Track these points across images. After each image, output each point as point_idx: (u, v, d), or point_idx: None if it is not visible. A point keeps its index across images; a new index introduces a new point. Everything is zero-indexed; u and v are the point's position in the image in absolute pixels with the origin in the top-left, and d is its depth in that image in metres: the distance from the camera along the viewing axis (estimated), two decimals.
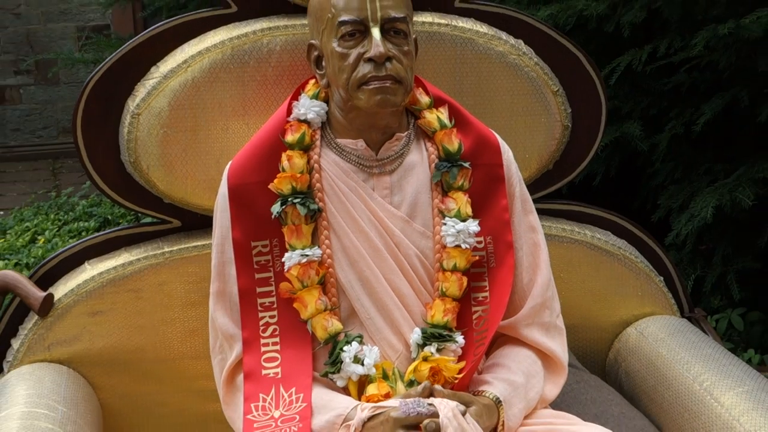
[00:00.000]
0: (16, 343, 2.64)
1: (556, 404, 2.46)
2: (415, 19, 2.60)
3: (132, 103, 2.60)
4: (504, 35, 2.71)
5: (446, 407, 2.11)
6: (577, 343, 2.79)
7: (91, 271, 2.65)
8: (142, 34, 2.64)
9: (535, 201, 2.77)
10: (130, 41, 2.64)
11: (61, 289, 2.64)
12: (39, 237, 5.34)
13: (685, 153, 3.88)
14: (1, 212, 6.12)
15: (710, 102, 3.66)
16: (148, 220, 2.87)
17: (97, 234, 2.73)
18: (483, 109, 2.61)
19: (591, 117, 2.81)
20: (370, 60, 2.26)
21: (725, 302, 3.87)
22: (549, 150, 2.78)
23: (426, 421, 2.09)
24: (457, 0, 2.71)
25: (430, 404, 2.12)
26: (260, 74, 2.58)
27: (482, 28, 2.70)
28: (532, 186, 2.77)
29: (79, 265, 2.69)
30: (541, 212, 2.77)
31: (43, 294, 2.60)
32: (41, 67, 7.63)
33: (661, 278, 2.89)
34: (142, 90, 2.60)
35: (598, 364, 2.86)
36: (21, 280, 2.64)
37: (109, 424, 2.65)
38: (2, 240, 5.30)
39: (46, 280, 2.69)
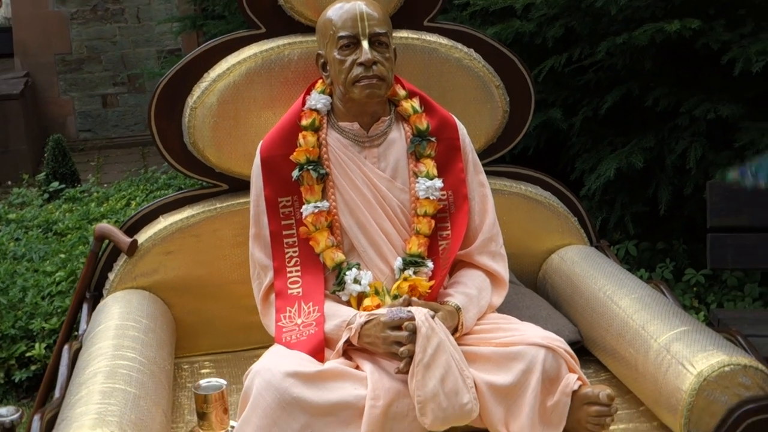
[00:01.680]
0: (111, 276, 2.62)
1: (500, 309, 2.44)
2: (394, 34, 2.56)
3: (190, 100, 2.56)
4: (460, 45, 2.67)
5: (420, 313, 2.10)
6: (516, 266, 2.76)
7: (164, 222, 2.62)
8: (197, 49, 2.60)
9: (484, 165, 2.73)
10: (189, 54, 2.60)
11: (142, 236, 2.62)
12: (132, 202, 5.31)
13: (594, 130, 3.85)
14: (106, 185, 6.09)
15: (611, 93, 3.64)
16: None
17: (168, 195, 2.70)
18: (445, 99, 2.57)
19: (523, 104, 2.77)
20: (361, 64, 2.23)
21: (623, 236, 3.84)
22: (494, 128, 2.74)
23: (406, 323, 2.07)
24: (425, 21, 2.66)
25: (408, 311, 2.11)
26: (283, 77, 2.55)
27: (444, 40, 2.65)
28: (483, 154, 2.74)
29: (156, 218, 2.66)
30: (489, 173, 2.75)
31: (129, 240, 2.58)
32: (132, 80, 7.59)
33: (576, 218, 2.86)
34: (197, 90, 2.56)
35: (531, 281, 2.84)
36: (114, 230, 2.62)
37: (180, 333, 2.64)
38: (106, 204, 5.27)
39: (132, 230, 2.66)
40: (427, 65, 2.62)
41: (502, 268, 2.40)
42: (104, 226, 2.63)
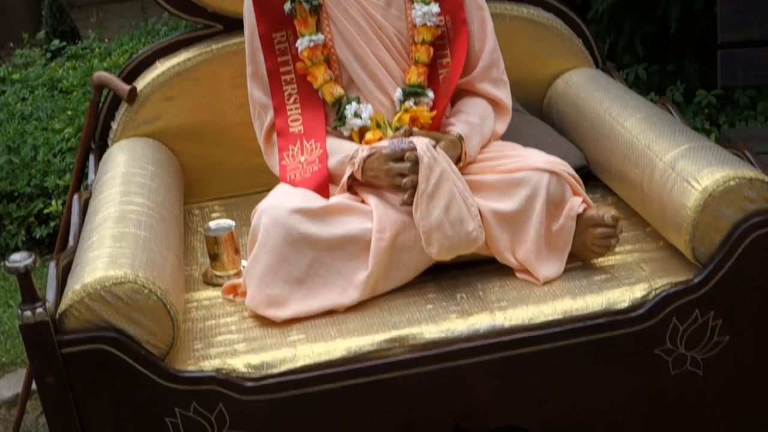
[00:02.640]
0: (114, 125, 2.61)
1: (505, 137, 2.42)
2: None
3: None
4: None
5: (422, 142, 2.08)
6: (520, 93, 2.71)
7: (161, 67, 2.59)
8: None
9: None
10: None
11: (141, 83, 2.59)
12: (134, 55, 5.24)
13: None
14: (107, 40, 6.00)
15: None
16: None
17: (162, 40, 2.65)
18: None
19: None
20: None
21: (633, 59, 3.76)
22: None
23: (407, 154, 2.06)
24: None
25: (410, 142, 2.09)
26: None
27: None
28: None
29: (152, 64, 2.62)
30: None
31: (128, 87, 2.55)
32: None
33: (580, 40, 2.79)
34: None
35: (536, 108, 2.79)
36: (111, 77, 2.59)
37: (188, 179, 2.65)
38: (108, 59, 5.20)
39: (130, 77, 2.63)
40: None
41: (504, 95, 2.36)
42: (102, 74, 2.60)
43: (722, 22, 3.08)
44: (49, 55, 5.67)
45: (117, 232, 2.00)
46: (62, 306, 1.81)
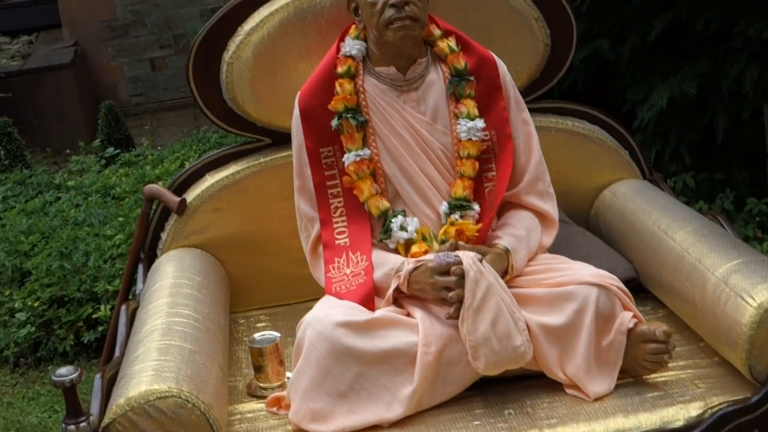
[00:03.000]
0: (163, 236, 2.64)
1: (552, 250, 2.40)
2: None
3: (226, 56, 2.54)
4: None
5: (468, 256, 2.07)
6: (567, 204, 2.70)
7: (210, 180, 2.62)
8: (229, 3, 2.56)
9: (528, 102, 2.68)
10: (221, 10, 2.57)
11: (191, 195, 2.62)
12: (186, 162, 5.33)
13: (644, 59, 3.72)
14: (159, 147, 6.14)
15: (659, 18, 3.51)
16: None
17: (213, 153, 2.70)
18: (483, 36, 2.49)
19: (565, 36, 2.68)
20: (392, 5, 2.18)
21: (680, 168, 3.74)
22: (535, 63, 2.67)
23: (453, 268, 2.05)
24: None
25: (456, 256, 2.08)
26: (317, 25, 2.50)
27: None
28: (526, 90, 2.68)
29: (202, 176, 2.66)
30: (534, 110, 2.70)
31: (178, 199, 2.59)
32: (177, 41, 7.58)
33: (626, 152, 2.79)
34: (232, 45, 2.53)
35: (583, 219, 2.77)
36: (162, 190, 2.63)
37: (234, 288, 2.65)
38: (160, 166, 5.31)
39: (180, 189, 2.66)
40: (463, 1, 2.55)
41: (551, 207, 2.35)
42: (153, 186, 2.65)
43: None
44: (103, 162, 5.80)
45: (163, 345, 2.00)
46: (106, 419, 1.81)
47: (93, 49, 7.71)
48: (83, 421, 1.76)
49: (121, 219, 4.27)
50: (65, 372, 1.75)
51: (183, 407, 1.81)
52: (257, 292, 2.67)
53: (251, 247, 2.62)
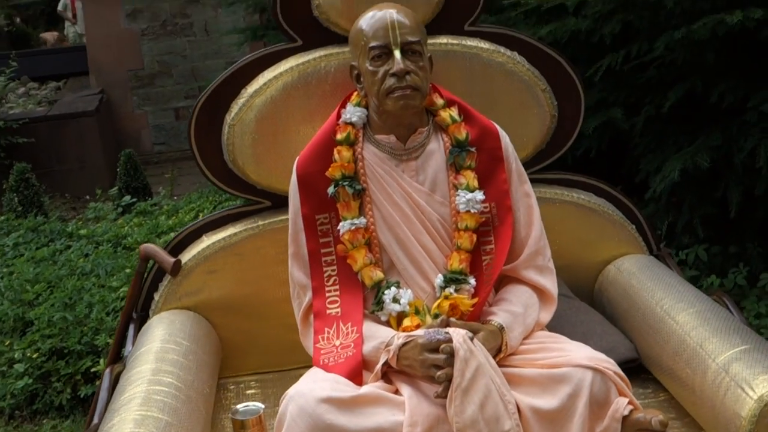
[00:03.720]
0: (156, 296, 2.58)
1: (552, 326, 2.32)
2: (433, 40, 2.47)
3: (228, 117, 2.51)
4: (502, 49, 2.55)
5: (458, 334, 1.99)
6: (570, 278, 2.63)
7: (207, 241, 2.57)
8: (233, 65, 2.54)
9: (534, 173, 2.64)
10: (226, 71, 2.55)
11: (186, 256, 2.57)
12: (200, 214, 5.31)
13: (658, 129, 3.65)
14: (176, 197, 6.14)
15: (673, 90, 3.44)
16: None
17: (211, 214, 2.65)
18: (490, 106, 2.46)
19: (573, 106, 2.62)
20: (393, 75, 2.13)
21: (693, 240, 3.64)
22: (542, 134, 2.61)
23: (443, 345, 1.97)
24: (466, 25, 2.55)
25: (446, 333, 2.00)
26: (321, 90, 2.47)
27: (485, 44, 2.54)
28: (532, 161, 2.63)
29: (199, 237, 2.61)
30: (540, 181, 2.65)
31: (173, 259, 2.53)
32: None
33: (633, 226, 2.71)
34: (235, 107, 2.50)
35: (587, 294, 2.68)
36: (158, 250, 2.58)
37: (226, 352, 2.59)
38: (174, 217, 5.30)
39: (177, 249, 2.61)
40: (469, 71, 2.51)
41: (550, 283, 2.27)
42: (149, 246, 2.60)
43: None
44: (120, 209, 5.80)
45: (139, 416, 1.93)
46: None
47: (119, 97, 7.78)
48: None
49: (128, 270, 4.24)
50: None
51: None
52: (249, 357, 2.60)
53: (245, 310, 2.56)
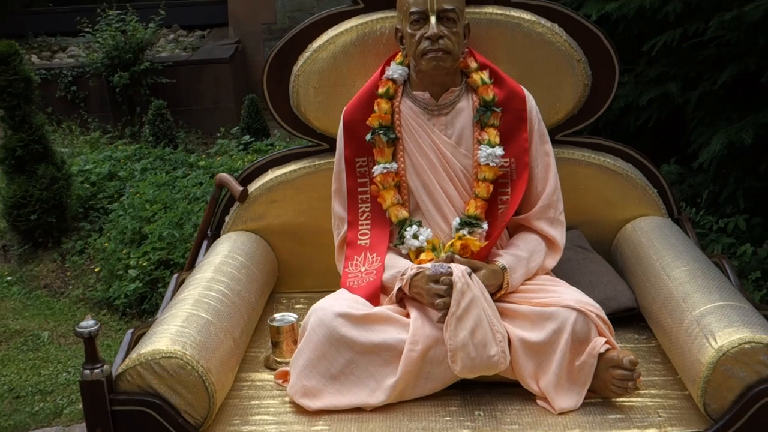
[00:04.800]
0: (227, 219, 2.77)
1: (564, 272, 2.41)
2: (480, 9, 2.53)
3: (295, 68, 2.64)
4: (543, 20, 2.58)
5: (458, 269, 2.10)
6: (591, 233, 2.68)
7: (271, 174, 2.73)
8: (302, 23, 2.67)
9: (565, 135, 2.67)
10: (296, 28, 2.68)
11: (253, 186, 2.74)
12: None
13: (712, 105, 3.59)
14: (288, 140, 6.35)
15: (727, 69, 3.37)
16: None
17: (277, 152, 2.81)
18: (527, 72, 2.53)
19: (606, 78, 2.64)
20: (428, 38, 2.23)
21: (734, 210, 3.59)
22: (574, 101, 2.64)
23: (443, 277, 2.08)
24: None
25: (449, 267, 2.11)
26: (375, 49, 2.57)
27: (527, 15, 2.58)
28: (564, 125, 2.69)
29: (266, 171, 2.77)
30: (571, 143, 2.72)
31: (241, 188, 2.71)
32: None
33: (655, 190, 2.72)
34: (301, 60, 2.64)
35: (605, 249, 2.70)
36: (230, 179, 2.76)
37: (283, 272, 2.77)
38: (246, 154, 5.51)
39: (246, 181, 2.78)
40: (510, 39, 2.56)
41: (558, 234, 2.34)
42: (223, 175, 2.78)
43: None
44: (241, 147, 6.06)
45: (187, 313, 2.12)
46: (119, 370, 1.95)
47: (252, 48, 8.01)
48: (98, 368, 1.90)
49: None
50: (86, 325, 1.90)
51: (183, 368, 1.93)
52: (301, 277, 2.76)
53: (300, 237, 2.72)
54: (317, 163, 2.70)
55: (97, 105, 7.05)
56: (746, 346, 1.88)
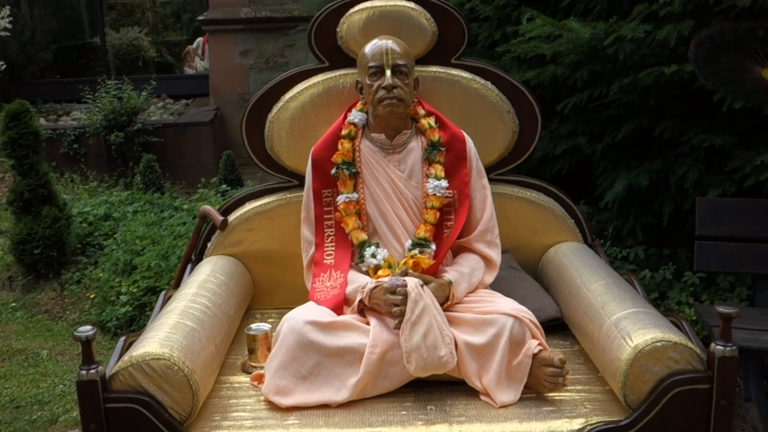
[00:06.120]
0: (209, 245, 2.65)
1: (499, 288, 2.33)
2: (425, 68, 2.51)
3: (270, 116, 2.57)
4: (478, 78, 2.56)
5: (412, 281, 2.03)
6: (520, 256, 2.62)
7: (248, 206, 2.63)
8: (274, 80, 2.60)
9: (498, 174, 2.64)
10: (271, 81, 2.61)
11: (232, 216, 2.64)
12: None
13: (614, 155, 3.60)
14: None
15: (625, 125, 3.40)
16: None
17: (253, 187, 2.72)
18: (466, 120, 2.49)
19: (531, 126, 2.62)
20: (384, 87, 2.17)
21: (634, 242, 3.58)
22: (505, 144, 2.61)
23: (400, 288, 2.00)
24: (452, 59, 2.57)
25: (404, 280, 2.04)
26: (338, 99, 2.51)
27: (465, 74, 2.55)
28: (497, 165, 2.64)
29: (243, 203, 2.67)
30: (502, 181, 2.67)
31: (221, 218, 2.61)
32: None
33: (573, 220, 2.68)
34: (275, 109, 2.56)
35: (532, 269, 2.64)
36: (212, 210, 2.66)
37: (257, 291, 2.64)
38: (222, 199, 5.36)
39: (226, 212, 2.68)
40: (451, 93, 2.53)
41: (495, 254, 2.28)
42: (206, 207, 2.68)
43: (699, 221, 2.93)
44: (219, 194, 5.93)
45: (174, 321, 2.00)
46: (113, 371, 1.81)
47: (229, 114, 7.93)
48: (93, 369, 1.76)
49: None
50: (83, 330, 1.77)
51: (170, 368, 1.80)
52: (273, 295, 2.64)
53: (273, 260, 2.61)
54: (288, 196, 2.61)
55: (96, 160, 6.86)
56: (658, 344, 1.83)
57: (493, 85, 2.56)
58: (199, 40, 10.94)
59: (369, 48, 2.23)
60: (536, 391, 2.00)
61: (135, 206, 5.01)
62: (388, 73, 2.18)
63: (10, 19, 7.19)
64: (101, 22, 9.34)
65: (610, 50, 3.08)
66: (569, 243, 2.63)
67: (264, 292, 2.65)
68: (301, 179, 2.62)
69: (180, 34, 12.34)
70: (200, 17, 8.05)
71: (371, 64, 2.20)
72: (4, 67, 6.86)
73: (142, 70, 9.77)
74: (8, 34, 7.18)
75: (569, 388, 2.03)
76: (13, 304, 4.22)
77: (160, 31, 11.82)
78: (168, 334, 1.91)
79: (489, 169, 2.59)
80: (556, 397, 1.99)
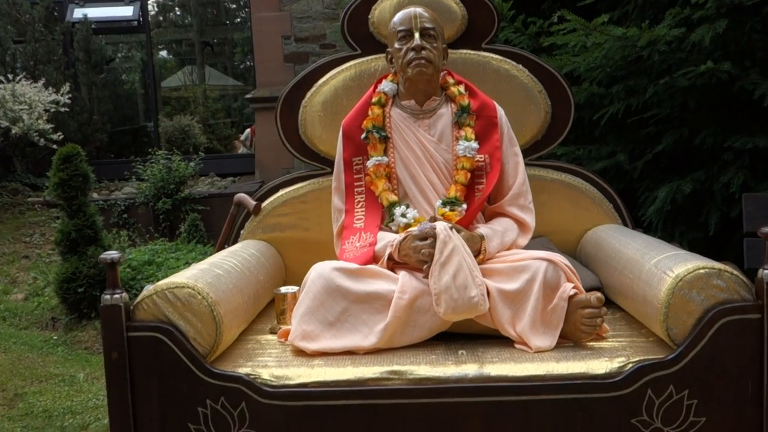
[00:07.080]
0: (243, 232, 2.66)
1: None
2: (458, 51, 2.55)
3: (303, 101, 2.63)
4: (510, 61, 2.60)
5: (441, 224, 2.00)
6: (558, 240, 2.55)
7: (281, 192, 2.66)
8: (311, 66, 2.68)
9: (533, 159, 2.62)
10: (307, 68, 2.69)
11: (265, 202, 2.66)
12: None
13: (654, 173, 3.56)
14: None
15: (665, 137, 3.36)
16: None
17: (287, 176, 2.74)
18: (497, 100, 2.47)
19: (564, 108, 2.62)
20: (413, 49, 2.22)
21: None
22: (537, 126, 2.61)
23: (428, 228, 1.97)
24: (483, 44, 2.63)
25: (433, 226, 2.00)
26: (369, 83, 2.51)
27: (497, 56, 2.60)
28: (531, 149, 2.62)
29: (277, 190, 2.69)
30: (538, 165, 2.63)
31: (254, 202, 2.63)
32: None
33: (611, 205, 2.63)
34: (308, 93, 2.63)
35: (571, 253, 2.56)
36: (246, 197, 2.68)
37: (288, 276, 2.62)
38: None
39: (261, 199, 2.70)
40: (482, 74, 2.56)
41: (529, 218, 2.23)
42: (240, 194, 2.71)
43: (747, 217, 2.83)
44: None
45: (206, 268, 1.99)
46: (137, 299, 1.79)
47: None
48: (117, 294, 1.75)
49: None
50: (110, 252, 1.77)
51: (194, 297, 1.78)
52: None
53: (304, 245, 2.60)
54: (321, 181, 2.63)
55: (144, 228, 7.04)
56: (700, 271, 1.75)
57: (524, 67, 2.59)
58: (248, 131, 11.40)
59: (397, 16, 2.30)
60: (574, 339, 1.91)
61: (178, 254, 5.09)
62: (417, 35, 2.23)
63: (70, 95, 7.63)
64: (155, 109, 9.84)
65: (645, 52, 3.10)
66: (608, 225, 2.56)
67: (294, 278, 2.61)
68: (332, 165, 2.64)
69: (228, 127, 12.90)
70: (248, 96, 8.42)
71: (400, 28, 2.26)
72: (61, 137, 7.21)
73: (192, 154, 10.18)
74: (67, 109, 7.60)
75: (610, 339, 1.92)
76: (54, 338, 4.24)
77: (211, 122, 12.39)
78: (197, 273, 1.90)
79: (523, 153, 2.58)
80: (595, 346, 1.89)
